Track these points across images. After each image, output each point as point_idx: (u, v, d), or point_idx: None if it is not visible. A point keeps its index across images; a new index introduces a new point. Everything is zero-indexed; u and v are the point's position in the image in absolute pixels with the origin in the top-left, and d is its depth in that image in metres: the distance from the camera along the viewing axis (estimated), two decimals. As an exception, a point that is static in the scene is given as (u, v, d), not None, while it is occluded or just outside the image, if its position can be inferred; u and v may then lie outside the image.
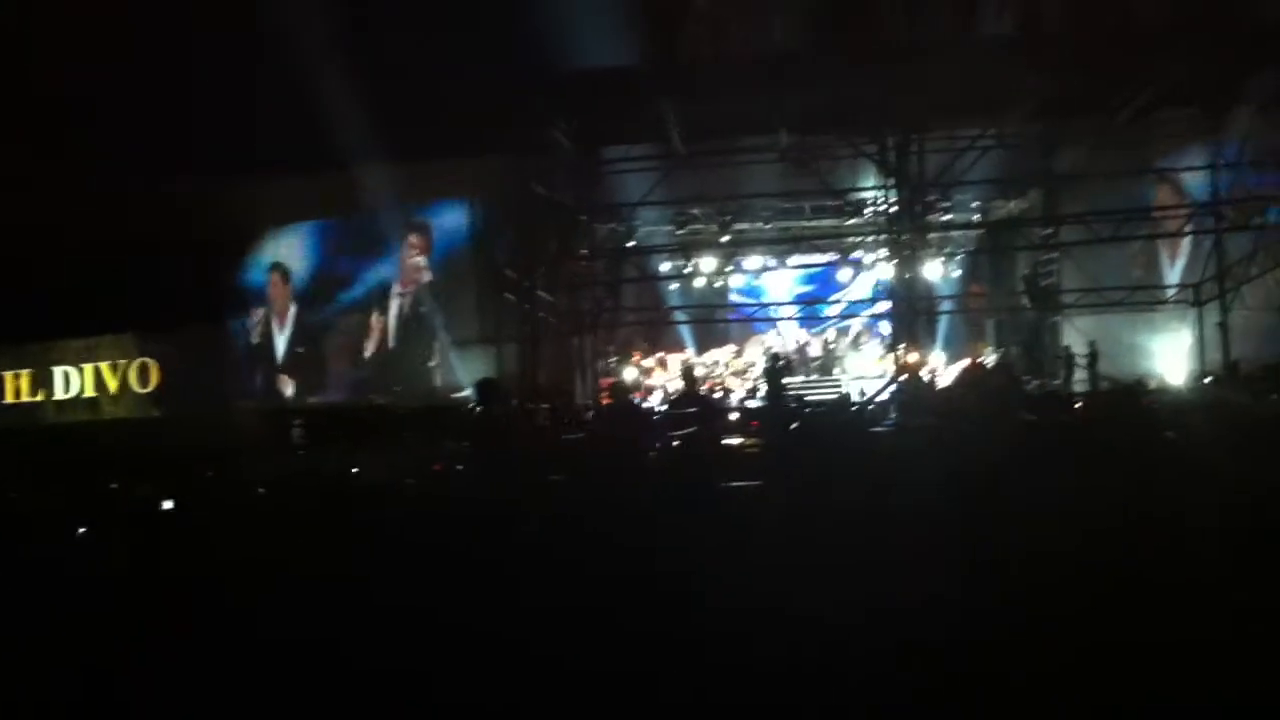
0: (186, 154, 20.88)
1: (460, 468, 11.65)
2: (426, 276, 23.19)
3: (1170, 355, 20.47)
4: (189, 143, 20.71)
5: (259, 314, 24.42)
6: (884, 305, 22.66)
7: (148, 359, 25.29)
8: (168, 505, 9.34)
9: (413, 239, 23.20)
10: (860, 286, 25.35)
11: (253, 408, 23.30)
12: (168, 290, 21.98)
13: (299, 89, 18.56)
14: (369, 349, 23.67)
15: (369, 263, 23.45)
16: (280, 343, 24.26)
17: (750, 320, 26.06)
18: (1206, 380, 16.77)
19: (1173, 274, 21.47)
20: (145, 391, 25.26)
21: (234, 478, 12.03)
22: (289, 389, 24.03)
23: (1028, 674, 4.30)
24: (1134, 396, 13.11)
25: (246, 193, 23.31)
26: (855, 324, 25.18)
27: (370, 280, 23.60)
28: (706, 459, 9.84)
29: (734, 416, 15.93)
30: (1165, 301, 20.66)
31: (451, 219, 23.01)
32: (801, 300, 25.68)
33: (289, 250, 24.02)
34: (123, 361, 25.53)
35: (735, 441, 11.93)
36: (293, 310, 24.19)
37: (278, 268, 24.15)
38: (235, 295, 24.24)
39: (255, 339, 24.39)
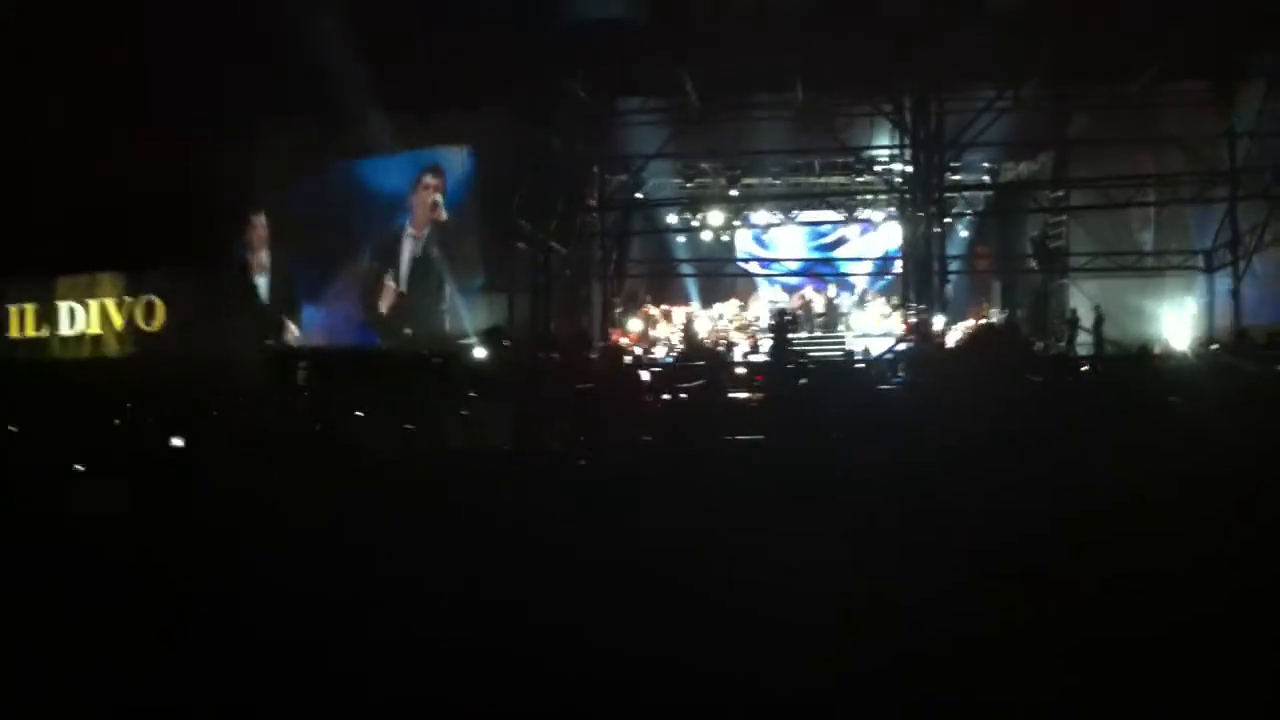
0: (190, 94, 20.75)
1: (466, 414, 11.74)
2: (443, 216, 23.02)
3: (1175, 321, 20.53)
4: (193, 83, 20.55)
5: (259, 256, 24.25)
6: (892, 264, 22.68)
7: (154, 297, 25.26)
8: (177, 442, 9.45)
9: (428, 179, 22.94)
10: (868, 245, 25.38)
11: (259, 349, 23.32)
12: (173, 228, 21.96)
13: (309, 34, 18.36)
14: (381, 293, 23.55)
15: (379, 207, 23.33)
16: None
17: (756, 275, 26.07)
18: (1213, 347, 16.83)
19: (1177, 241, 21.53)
20: (151, 330, 25.25)
21: (242, 419, 12.14)
22: (296, 332, 23.93)
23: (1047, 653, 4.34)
24: (1141, 362, 13.21)
25: (254, 133, 23.24)
26: (861, 282, 25.23)
27: (380, 224, 23.48)
28: (714, 412, 9.94)
29: (740, 371, 16.02)
30: (1177, 267, 20.68)
31: (461, 166, 22.90)
32: (809, 257, 25.68)
33: (296, 193, 23.82)
34: (129, 299, 25.50)
35: (741, 395, 12.04)
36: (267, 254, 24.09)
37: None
38: (240, 237, 24.14)
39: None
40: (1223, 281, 19.25)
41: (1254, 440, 7.37)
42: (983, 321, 22.17)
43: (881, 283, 24.88)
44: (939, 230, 17.93)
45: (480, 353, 15.87)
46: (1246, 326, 17.28)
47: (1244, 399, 9.63)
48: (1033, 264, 22.85)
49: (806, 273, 25.52)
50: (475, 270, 22.19)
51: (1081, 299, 20.86)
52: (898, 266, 22.41)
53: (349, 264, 23.61)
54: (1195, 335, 19.55)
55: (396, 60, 18.83)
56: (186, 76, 20.22)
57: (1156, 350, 17.15)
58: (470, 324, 21.32)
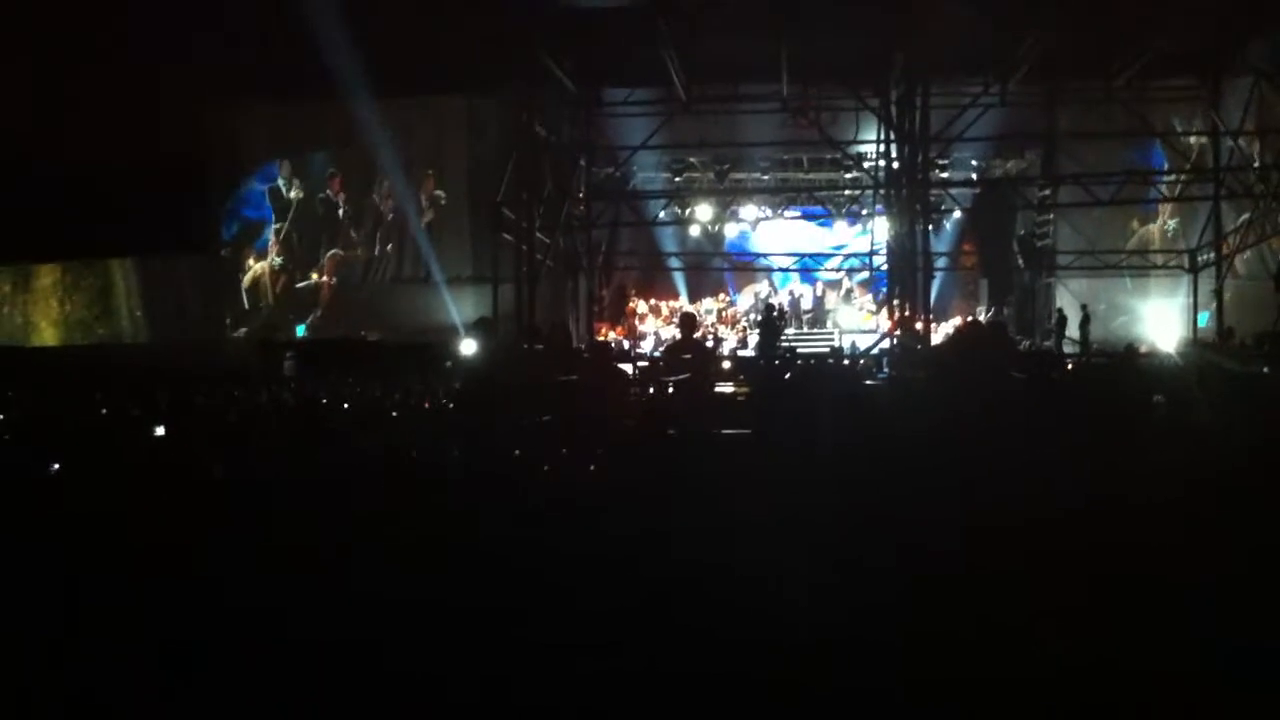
0: (183, 80, 20.63)
1: (451, 405, 11.70)
2: (442, 200, 22.86)
3: (1161, 320, 20.56)
4: (186, 69, 20.41)
5: (259, 242, 24.07)
6: (879, 260, 22.66)
7: (140, 284, 25.16)
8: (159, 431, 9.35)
9: (432, 171, 22.89)
10: (856, 241, 25.38)
11: (244, 338, 23.24)
12: (161, 215, 21.84)
13: (294, 18, 18.10)
14: (370, 282, 23.43)
15: (370, 194, 23.22)
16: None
17: (744, 270, 26.05)
18: (1197, 346, 16.88)
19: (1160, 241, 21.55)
20: (138, 315, 25.14)
21: (230, 405, 12.08)
22: (286, 320, 23.75)
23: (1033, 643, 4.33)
24: (1126, 361, 13.22)
25: (240, 119, 23.11)
26: (847, 278, 25.24)
27: (370, 211, 23.36)
28: (700, 405, 9.90)
29: (726, 365, 15.99)
30: (1161, 267, 20.69)
31: (448, 154, 22.78)
32: (796, 253, 25.67)
33: (285, 179, 23.70)
34: (117, 284, 25.40)
35: (728, 389, 12.01)
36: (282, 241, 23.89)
37: (272, 195, 23.82)
38: (229, 223, 23.99)
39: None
40: (1207, 281, 19.29)
41: (1240, 439, 7.36)
42: (969, 319, 22.18)
43: (868, 279, 24.92)
44: (925, 227, 17.92)
45: (469, 344, 15.82)
46: (1230, 327, 17.33)
47: (1230, 399, 9.62)
48: (1019, 262, 22.89)
49: (794, 268, 25.52)
50: (463, 260, 22.12)
51: (1068, 297, 20.90)
52: (884, 263, 22.43)
53: (340, 252, 23.51)
54: (1180, 335, 19.60)
55: (384, 45, 18.64)
56: (179, 63, 20.08)
57: (1143, 349, 17.18)
58: (458, 315, 21.24)
